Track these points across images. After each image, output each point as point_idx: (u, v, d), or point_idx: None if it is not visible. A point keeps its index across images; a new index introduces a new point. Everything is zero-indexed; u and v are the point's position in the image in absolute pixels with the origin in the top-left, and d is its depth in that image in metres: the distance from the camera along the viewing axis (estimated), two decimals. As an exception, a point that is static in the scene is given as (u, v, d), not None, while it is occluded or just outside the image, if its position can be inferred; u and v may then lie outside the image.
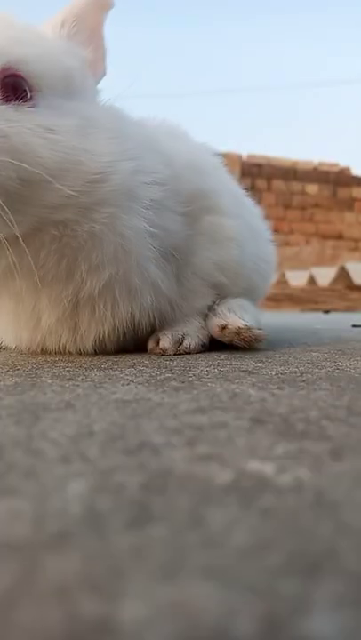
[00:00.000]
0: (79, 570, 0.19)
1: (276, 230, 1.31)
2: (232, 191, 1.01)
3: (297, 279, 8.30)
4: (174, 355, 0.83)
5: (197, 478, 0.28)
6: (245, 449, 0.33)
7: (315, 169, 12.22)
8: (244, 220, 0.97)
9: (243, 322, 0.86)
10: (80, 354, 0.82)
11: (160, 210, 0.79)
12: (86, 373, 0.64)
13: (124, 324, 0.80)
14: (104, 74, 0.82)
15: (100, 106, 0.79)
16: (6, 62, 0.68)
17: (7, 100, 0.67)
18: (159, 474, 0.29)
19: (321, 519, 0.22)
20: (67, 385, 0.56)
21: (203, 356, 0.82)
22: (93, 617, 0.16)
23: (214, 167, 0.97)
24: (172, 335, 0.85)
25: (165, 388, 0.54)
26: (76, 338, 0.81)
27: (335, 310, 5.77)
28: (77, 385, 0.56)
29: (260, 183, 11.53)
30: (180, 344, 0.85)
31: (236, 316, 0.88)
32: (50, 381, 0.59)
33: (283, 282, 7.79)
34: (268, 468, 0.29)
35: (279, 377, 0.62)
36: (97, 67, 0.81)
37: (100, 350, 0.83)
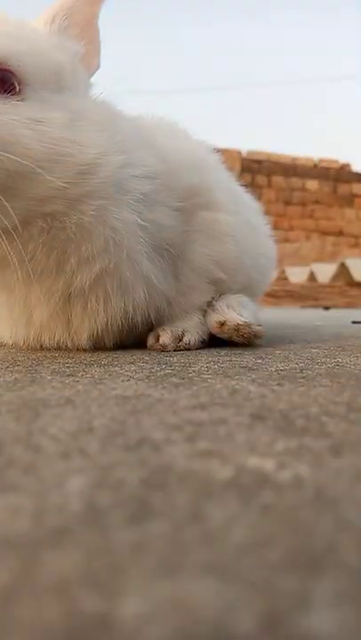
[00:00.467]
0: (79, 566, 0.19)
1: (276, 226, 1.31)
2: (229, 187, 1.01)
3: (297, 275, 8.29)
4: (174, 351, 0.83)
5: (197, 474, 0.28)
6: (245, 445, 0.33)
7: (315, 165, 12.18)
8: (242, 216, 0.97)
9: (242, 318, 0.86)
10: (79, 350, 0.82)
11: (151, 203, 0.79)
12: (86, 369, 0.64)
13: (118, 320, 0.80)
14: (98, 67, 0.82)
15: (91, 100, 0.79)
16: None
17: None
18: (159, 470, 0.29)
19: (321, 515, 0.22)
20: (67, 381, 0.56)
21: (203, 352, 0.82)
22: (93, 613, 0.16)
23: (211, 164, 0.97)
24: (172, 331, 0.85)
25: (165, 385, 0.54)
26: (70, 333, 0.80)
27: (335, 307, 5.77)
28: (77, 381, 0.56)
29: (261, 179, 11.50)
30: (180, 340, 0.85)
31: (235, 312, 0.88)
32: (50, 377, 0.59)
33: (283, 278, 7.79)
34: (268, 465, 0.29)
35: (279, 373, 0.62)
36: (90, 60, 0.80)
37: (99, 346, 0.83)
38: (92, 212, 0.72)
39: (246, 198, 1.12)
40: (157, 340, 0.85)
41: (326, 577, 0.17)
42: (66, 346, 0.82)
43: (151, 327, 0.87)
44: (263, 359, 0.74)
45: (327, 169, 12.25)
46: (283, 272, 8.04)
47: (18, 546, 0.21)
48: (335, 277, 7.93)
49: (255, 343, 0.87)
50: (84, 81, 0.79)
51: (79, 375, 0.60)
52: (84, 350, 0.81)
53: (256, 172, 11.50)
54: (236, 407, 0.44)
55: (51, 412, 0.42)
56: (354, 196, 12.26)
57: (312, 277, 8.30)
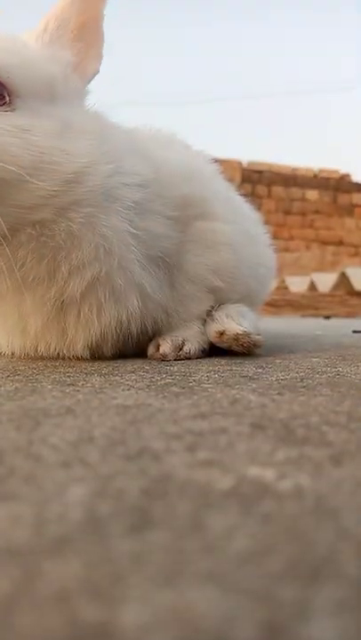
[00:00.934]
0: (79, 575, 0.19)
1: (276, 236, 1.31)
2: (227, 197, 1.01)
3: (297, 285, 8.31)
4: (174, 360, 0.83)
5: (198, 484, 0.28)
6: (246, 455, 0.33)
7: (315, 175, 12.26)
8: (240, 226, 0.97)
9: (241, 328, 0.87)
10: (79, 359, 0.82)
11: (143, 212, 0.79)
12: (87, 379, 0.64)
13: (113, 329, 0.80)
14: (96, 71, 0.81)
15: (83, 110, 0.79)
16: None
17: None
18: (159, 479, 0.29)
19: (321, 524, 0.22)
20: (67, 390, 0.56)
21: (203, 361, 0.82)
22: (94, 622, 0.16)
23: (208, 174, 0.97)
24: (172, 341, 0.85)
25: (166, 394, 0.54)
26: (65, 343, 0.80)
27: (336, 316, 5.77)
28: (78, 390, 0.57)
29: (261, 189, 11.57)
30: (180, 349, 0.85)
31: (234, 322, 0.88)
32: (50, 387, 0.59)
33: (283, 287, 7.80)
34: (268, 474, 0.29)
35: (280, 383, 0.62)
36: (88, 65, 0.80)
37: (97, 356, 0.83)
38: (81, 220, 0.72)
39: (245, 208, 1.13)
40: (158, 349, 0.85)
41: (327, 586, 0.17)
42: (63, 355, 0.82)
43: (152, 337, 0.87)
44: (264, 368, 0.74)
45: (327, 179, 12.33)
46: (283, 281, 8.06)
47: (18, 555, 0.21)
48: (336, 287, 7.94)
49: (255, 352, 0.87)
50: (78, 91, 0.80)
51: (80, 384, 0.60)
52: (84, 359, 0.82)
53: (256, 182, 11.57)
54: (236, 416, 0.44)
55: (51, 422, 0.42)
56: (354, 205, 12.32)
57: (312, 287, 8.32)
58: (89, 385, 0.60)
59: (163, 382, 0.62)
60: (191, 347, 0.86)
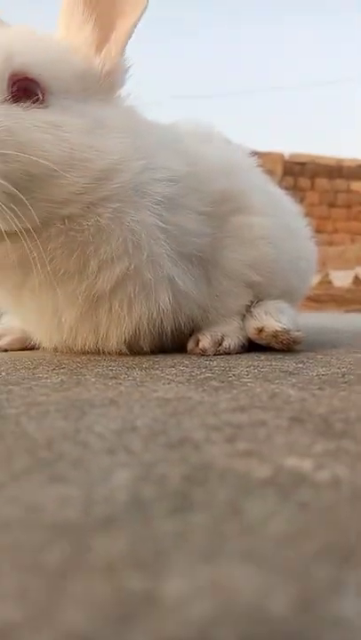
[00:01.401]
0: (125, 550, 0.21)
1: (319, 229, 1.29)
2: (266, 191, 1.00)
3: (341, 279, 8.09)
4: (214, 355, 0.84)
5: (237, 472, 0.29)
6: (284, 446, 0.34)
7: (360, 166, 11.87)
8: (279, 219, 0.96)
9: (280, 325, 0.86)
10: (120, 354, 0.84)
11: (174, 207, 0.79)
12: (128, 372, 0.66)
13: (145, 325, 0.80)
14: (122, 50, 0.79)
15: (115, 107, 0.79)
16: (18, 66, 0.71)
17: (17, 100, 0.70)
18: (200, 467, 0.30)
19: (356, 513, 0.23)
20: (110, 383, 0.59)
21: (242, 356, 0.83)
22: (139, 590, 0.18)
23: (245, 168, 0.96)
24: (211, 336, 0.86)
25: (205, 388, 0.55)
26: (99, 339, 0.81)
27: (381, 311, 5.58)
28: (120, 383, 0.59)
29: (303, 182, 11.32)
30: (220, 345, 0.86)
31: (273, 318, 0.88)
32: (93, 379, 0.61)
33: (326, 282, 7.61)
34: (306, 465, 0.30)
35: (320, 378, 0.62)
36: (111, 45, 0.78)
37: (137, 351, 0.84)
38: (109, 215, 0.73)
39: (285, 201, 1.11)
40: (197, 344, 0.86)
41: (358, 568, 0.18)
42: (102, 350, 0.83)
43: (190, 333, 0.88)
44: (304, 363, 0.74)
45: (372, 170, 11.90)
46: (326, 276, 7.86)
47: (69, 531, 0.23)
48: (381, 281, 7.67)
49: (294, 349, 0.87)
50: (110, 87, 0.80)
51: (121, 377, 0.62)
52: (125, 354, 0.84)
53: (299, 174, 11.33)
54: (275, 410, 0.45)
55: (96, 412, 0.44)
56: None
57: (357, 281, 8.08)
58: (130, 378, 0.62)
59: (202, 376, 0.63)
60: (230, 342, 0.87)
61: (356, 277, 8.16)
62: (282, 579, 0.18)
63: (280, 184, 1.14)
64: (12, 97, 0.71)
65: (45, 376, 0.63)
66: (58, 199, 0.71)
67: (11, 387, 0.55)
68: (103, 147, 0.73)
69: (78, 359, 0.79)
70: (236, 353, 0.86)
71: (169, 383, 0.58)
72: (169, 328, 0.83)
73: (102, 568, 0.19)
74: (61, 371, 0.68)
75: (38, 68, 0.72)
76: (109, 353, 0.83)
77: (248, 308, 0.91)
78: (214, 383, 0.58)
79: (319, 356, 0.82)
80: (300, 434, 0.37)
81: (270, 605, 0.16)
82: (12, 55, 0.72)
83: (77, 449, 0.34)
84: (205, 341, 0.85)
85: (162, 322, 0.81)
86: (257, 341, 0.88)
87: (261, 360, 0.77)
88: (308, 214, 1.18)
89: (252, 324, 0.88)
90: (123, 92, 0.82)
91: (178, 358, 0.80)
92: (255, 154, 1.08)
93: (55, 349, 0.87)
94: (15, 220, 0.68)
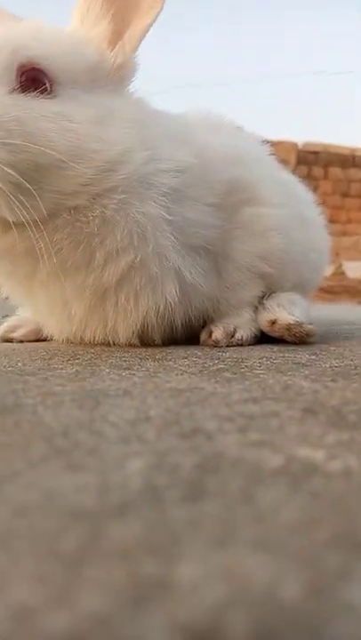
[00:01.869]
0: (140, 535, 0.21)
1: (333, 219, 1.28)
2: (277, 179, 0.99)
3: (355, 270, 7.99)
4: (226, 346, 0.84)
5: (249, 461, 0.29)
6: (296, 437, 0.34)
7: (375, 155, 11.66)
8: (291, 209, 0.95)
9: (293, 317, 0.86)
10: (132, 345, 0.84)
11: (181, 199, 0.78)
12: (141, 363, 0.67)
13: (153, 317, 0.80)
14: (138, 44, 0.79)
15: (123, 96, 0.79)
16: (26, 57, 0.72)
17: (25, 90, 0.71)
18: (212, 456, 0.30)
19: (369, 503, 0.23)
20: (123, 374, 0.59)
21: (255, 348, 0.83)
22: (153, 575, 0.18)
23: (255, 156, 0.94)
24: (224, 327, 0.86)
25: (218, 379, 0.56)
26: (107, 332, 0.81)
27: (396, 303, 5.50)
28: (133, 374, 0.59)
29: (317, 171, 11.16)
30: (232, 336, 0.86)
31: (286, 311, 0.87)
32: (107, 370, 0.62)
33: (340, 273, 7.53)
34: (318, 455, 0.30)
35: (333, 370, 0.62)
36: (126, 39, 0.79)
37: (148, 343, 0.84)
38: (114, 206, 0.73)
39: (299, 189, 1.10)
40: (210, 335, 0.86)
41: (371, 556, 0.18)
42: (113, 342, 0.83)
43: (202, 325, 0.88)
44: (317, 355, 0.73)
45: (388, 159, 11.69)
46: (340, 267, 7.78)
47: (85, 517, 0.23)
48: (396, 272, 7.56)
49: (308, 342, 0.86)
50: (120, 78, 0.79)
51: (135, 368, 0.63)
52: (137, 346, 0.84)
53: (312, 163, 11.17)
54: (288, 401, 0.45)
55: (110, 402, 0.45)
56: None
57: (371, 272, 7.97)
58: (144, 369, 0.63)
59: (215, 368, 0.63)
60: (243, 333, 0.87)
61: (370, 268, 8.05)
62: (293, 566, 0.18)
63: (294, 173, 1.13)
64: (21, 87, 0.71)
65: (60, 367, 0.64)
66: (65, 190, 0.71)
67: (27, 377, 0.56)
68: (109, 137, 0.73)
69: (92, 350, 0.80)
70: (249, 344, 0.86)
71: (182, 374, 0.59)
72: (178, 320, 0.83)
73: (117, 553, 0.20)
74: (76, 361, 0.69)
75: (46, 59, 0.73)
76: (120, 345, 0.84)
77: (260, 300, 0.91)
78: (227, 374, 0.58)
79: (332, 348, 0.82)
80: (312, 425, 0.37)
81: (282, 591, 0.17)
82: (21, 47, 0.72)
83: (92, 438, 0.34)
84: (218, 333, 0.85)
85: (171, 314, 0.81)
86: (270, 334, 0.87)
87: (274, 352, 0.77)
88: (321, 204, 1.17)
89: (265, 317, 0.88)
90: (132, 84, 0.82)
91: (190, 350, 0.80)
92: (268, 143, 1.07)
93: (67, 341, 0.88)
94: (22, 210, 0.68)
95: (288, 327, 0.85)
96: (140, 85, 0.83)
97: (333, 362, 0.68)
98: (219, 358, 0.71)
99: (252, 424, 0.38)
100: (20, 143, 0.67)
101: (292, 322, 0.85)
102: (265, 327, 0.88)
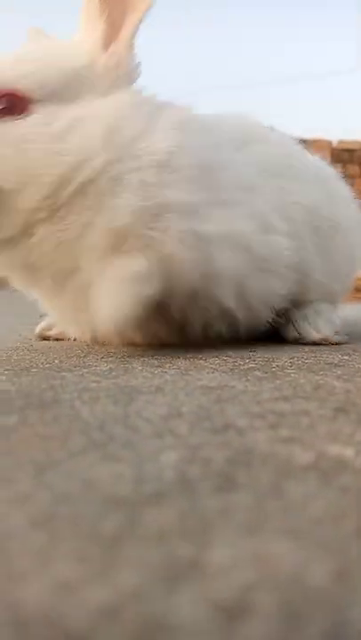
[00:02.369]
0: (174, 522, 0.22)
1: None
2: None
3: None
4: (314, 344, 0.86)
5: (279, 457, 0.30)
6: (327, 435, 0.35)
7: None
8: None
9: (318, 335, 0.87)
10: (166, 345, 0.85)
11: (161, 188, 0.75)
12: (173, 361, 0.68)
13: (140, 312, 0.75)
14: (128, 49, 0.78)
15: (115, 97, 0.77)
16: (2, 83, 0.73)
17: (6, 115, 0.73)
18: (243, 451, 0.31)
19: None
20: (155, 371, 0.61)
21: (285, 347, 0.83)
22: (187, 557, 0.19)
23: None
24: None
25: (249, 377, 0.56)
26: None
27: None
28: (165, 371, 0.61)
29: (352, 169, 10.96)
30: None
31: (312, 327, 0.88)
32: (140, 367, 0.63)
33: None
34: (348, 452, 0.30)
35: (365, 370, 0.61)
36: (119, 41, 0.77)
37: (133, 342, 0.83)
38: (88, 211, 0.73)
39: (338, 187, 1.06)
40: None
41: None
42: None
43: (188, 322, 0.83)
44: (350, 356, 0.73)
45: None
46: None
47: (122, 504, 0.24)
48: None
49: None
50: (116, 78, 0.78)
51: (167, 366, 0.64)
52: (171, 344, 0.85)
53: (347, 161, 10.98)
54: (319, 401, 0.45)
55: (143, 398, 0.46)
56: None
57: None
58: (175, 367, 0.64)
59: (246, 367, 0.64)
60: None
61: None
62: (320, 554, 0.19)
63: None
64: (1, 112, 0.73)
65: (95, 364, 0.66)
66: (27, 207, 0.73)
67: (64, 373, 0.59)
68: (67, 149, 0.72)
69: (125, 348, 0.82)
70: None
71: (213, 372, 0.60)
72: (171, 316, 0.80)
73: (153, 537, 0.21)
74: (110, 359, 0.71)
75: (23, 80, 0.74)
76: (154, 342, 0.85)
77: (287, 311, 0.90)
78: (258, 373, 0.59)
79: (366, 348, 0.81)
80: (343, 423, 0.38)
81: (308, 576, 0.18)
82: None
83: (127, 432, 0.36)
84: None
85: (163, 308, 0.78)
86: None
87: (305, 352, 0.77)
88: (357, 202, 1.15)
89: (291, 333, 0.89)
90: (138, 85, 0.79)
91: (221, 348, 0.81)
92: (302, 141, 1.06)
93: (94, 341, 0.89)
94: None
95: (313, 344, 0.86)
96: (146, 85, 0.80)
97: (366, 362, 0.67)
98: (250, 357, 0.71)
99: (283, 421, 0.38)
100: None
101: (317, 339, 0.86)
102: (291, 340, 0.88)
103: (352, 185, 1.15)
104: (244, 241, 0.79)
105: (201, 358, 0.71)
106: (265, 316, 0.86)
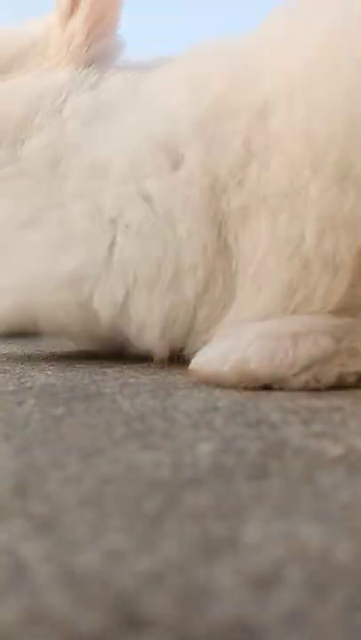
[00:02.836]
0: (210, 504, 0.24)
1: None
2: None
3: None
4: None
5: (310, 450, 0.32)
6: (358, 430, 0.36)
7: None
8: None
9: None
10: None
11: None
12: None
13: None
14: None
15: (38, 76, 0.70)
16: None
17: None
18: (275, 444, 0.33)
19: None
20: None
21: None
22: (221, 536, 0.22)
23: None
24: None
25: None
26: None
27: None
28: (202, 369, 0.62)
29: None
30: None
31: None
32: (176, 365, 0.65)
33: None
34: (378, 447, 0.32)
35: None
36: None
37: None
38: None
39: None
40: None
41: None
42: None
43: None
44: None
45: None
46: None
47: (162, 486, 0.27)
48: None
49: None
50: (76, 53, 0.70)
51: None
52: None
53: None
54: (353, 398, 0.46)
55: (180, 394, 0.48)
56: None
57: None
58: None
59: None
60: None
61: None
62: (347, 535, 0.21)
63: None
64: None
65: (133, 360, 0.69)
66: None
67: (105, 369, 0.62)
68: None
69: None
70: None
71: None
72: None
73: (191, 516, 0.23)
74: (146, 357, 0.73)
75: None
76: None
77: None
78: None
79: None
80: (375, 420, 0.39)
81: (335, 554, 0.19)
82: None
83: (166, 424, 0.38)
84: None
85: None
86: None
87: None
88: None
89: None
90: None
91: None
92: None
93: None
94: None
95: None
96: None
97: None
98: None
99: (316, 417, 0.39)
100: None
101: None
102: None
103: None
104: None
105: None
106: None
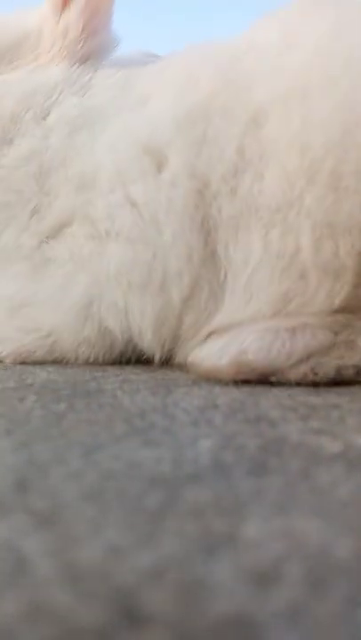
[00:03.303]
0: (210, 500, 0.25)
1: None
2: None
3: None
4: None
5: (309, 446, 0.32)
6: (356, 427, 0.36)
7: None
8: None
9: None
10: None
11: None
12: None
13: None
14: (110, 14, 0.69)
15: (29, 72, 0.68)
16: None
17: None
18: (274, 440, 0.33)
19: None
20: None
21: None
22: (222, 531, 0.22)
23: None
24: None
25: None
26: None
27: None
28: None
29: None
30: None
31: None
32: (176, 362, 0.66)
33: None
34: (376, 444, 0.32)
35: None
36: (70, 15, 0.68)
37: None
38: None
39: None
40: None
41: None
42: None
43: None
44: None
45: None
46: None
47: (163, 482, 0.27)
48: None
49: None
50: (69, 45, 0.68)
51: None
52: None
53: None
54: (350, 395, 0.46)
55: (180, 391, 0.49)
56: None
57: None
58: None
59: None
60: None
61: None
62: (345, 531, 0.21)
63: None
64: None
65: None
66: None
67: (105, 366, 0.62)
68: None
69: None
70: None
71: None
72: None
73: (191, 512, 0.24)
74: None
75: None
76: None
77: None
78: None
79: None
80: (374, 417, 0.39)
81: (333, 550, 0.20)
82: None
83: (166, 420, 0.38)
84: None
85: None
86: None
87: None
88: None
89: None
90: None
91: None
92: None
93: None
94: None
95: None
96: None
97: None
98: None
99: (314, 414, 0.40)
100: None
101: None
102: None
103: None
104: None
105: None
106: None
